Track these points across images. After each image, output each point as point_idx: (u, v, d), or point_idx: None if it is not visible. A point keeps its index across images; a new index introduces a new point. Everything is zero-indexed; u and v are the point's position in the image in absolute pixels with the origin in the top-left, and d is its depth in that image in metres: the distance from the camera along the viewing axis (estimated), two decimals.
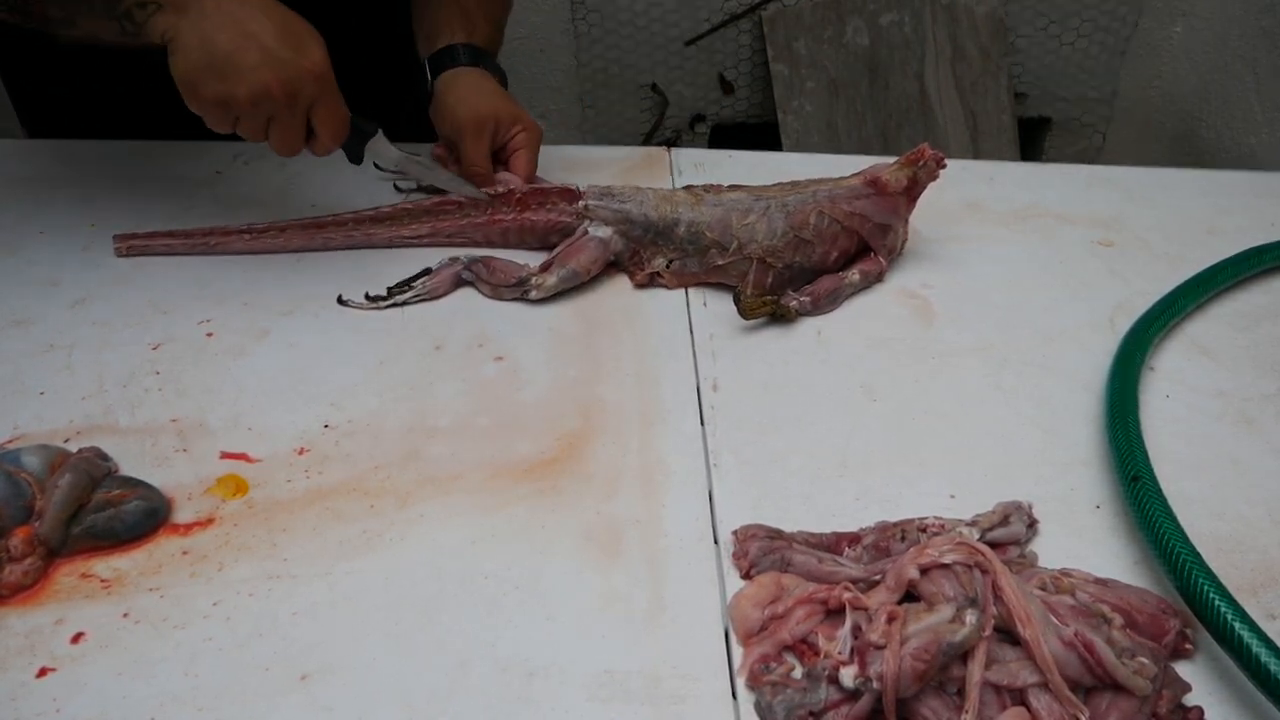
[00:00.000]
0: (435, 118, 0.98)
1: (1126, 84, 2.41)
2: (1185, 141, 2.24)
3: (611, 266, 0.89)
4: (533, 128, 0.97)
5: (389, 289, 0.85)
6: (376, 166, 0.95)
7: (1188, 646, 0.57)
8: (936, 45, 2.25)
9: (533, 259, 0.89)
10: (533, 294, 0.85)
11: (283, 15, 0.76)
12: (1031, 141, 2.49)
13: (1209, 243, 0.98)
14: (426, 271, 0.87)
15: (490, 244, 0.93)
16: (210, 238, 0.89)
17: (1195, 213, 1.05)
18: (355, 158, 0.87)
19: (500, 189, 0.91)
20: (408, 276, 0.86)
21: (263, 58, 0.73)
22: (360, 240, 0.91)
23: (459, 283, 0.87)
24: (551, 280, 0.85)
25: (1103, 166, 1.17)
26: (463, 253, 0.88)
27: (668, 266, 0.87)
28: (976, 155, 2.29)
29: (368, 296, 0.85)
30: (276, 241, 0.90)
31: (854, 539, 0.61)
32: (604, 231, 0.87)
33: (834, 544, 0.62)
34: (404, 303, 0.85)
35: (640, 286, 0.88)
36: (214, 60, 0.72)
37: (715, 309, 0.86)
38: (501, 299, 0.86)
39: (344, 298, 0.85)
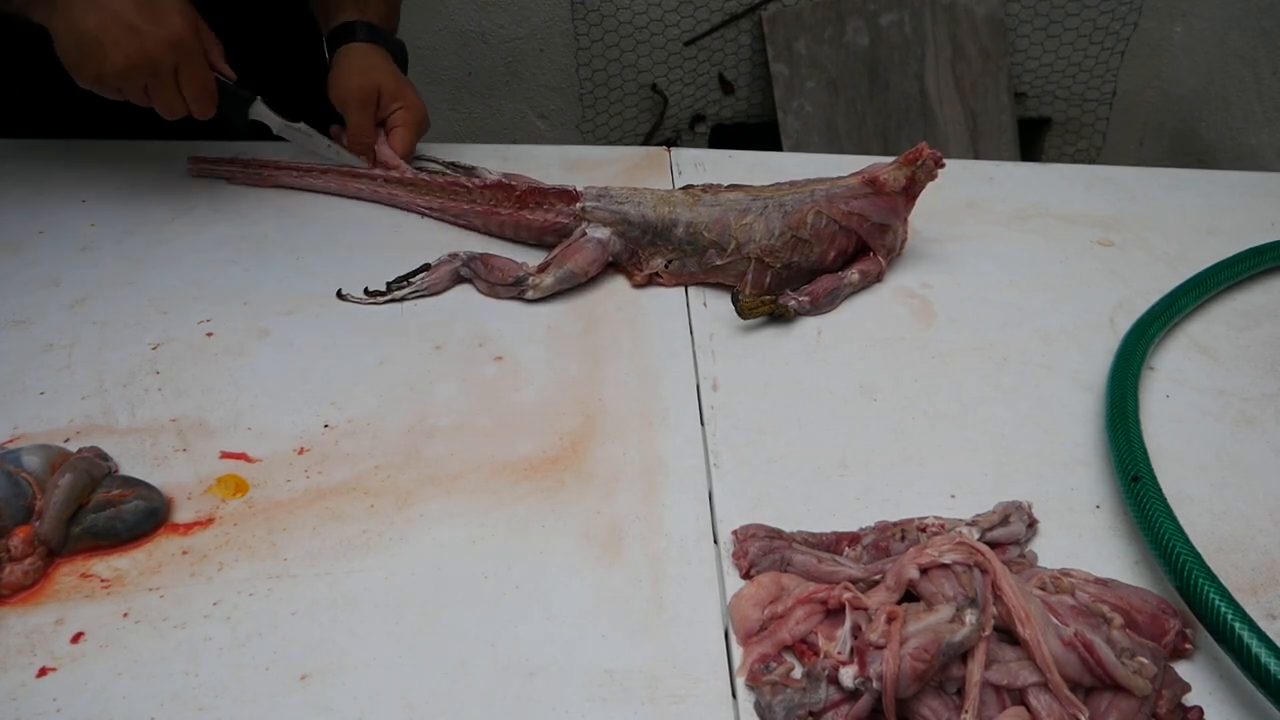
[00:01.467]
0: (330, 92, 1.01)
1: (1126, 84, 2.41)
2: (1185, 141, 2.24)
3: (610, 267, 0.89)
4: (413, 106, 1.01)
5: (388, 283, 0.86)
6: (267, 133, 0.99)
7: (1187, 646, 0.57)
8: (936, 45, 2.25)
9: (533, 256, 0.89)
10: (529, 294, 0.85)
11: None
12: (1031, 141, 2.49)
13: (1209, 243, 0.98)
14: (425, 267, 0.87)
15: (490, 234, 0.94)
16: (265, 169, 1.01)
17: (1195, 213, 1.05)
18: (240, 123, 0.93)
19: (378, 162, 0.99)
20: (406, 272, 0.86)
21: (121, 32, 0.79)
22: (384, 196, 0.99)
23: (457, 279, 0.87)
24: (549, 281, 0.85)
25: (1102, 166, 1.17)
26: (462, 250, 0.88)
27: (666, 267, 0.87)
28: (976, 155, 2.29)
29: (366, 291, 0.85)
30: (318, 182, 1.00)
31: (854, 539, 0.61)
32: (602, 233, 0.87)
33: (834, 544, 0.62)
34: (402, 298, 0.85)
35: (639, 287, 0.88)
36: (83, 42, 0.79)
37: (715, 309, 0.86)
38: (498, 297, 0.86)
39: (343, 292, 0.85)
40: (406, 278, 0.86)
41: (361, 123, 0.99)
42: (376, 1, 1.05)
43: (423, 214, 0.98)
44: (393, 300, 0.85)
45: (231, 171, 1.01)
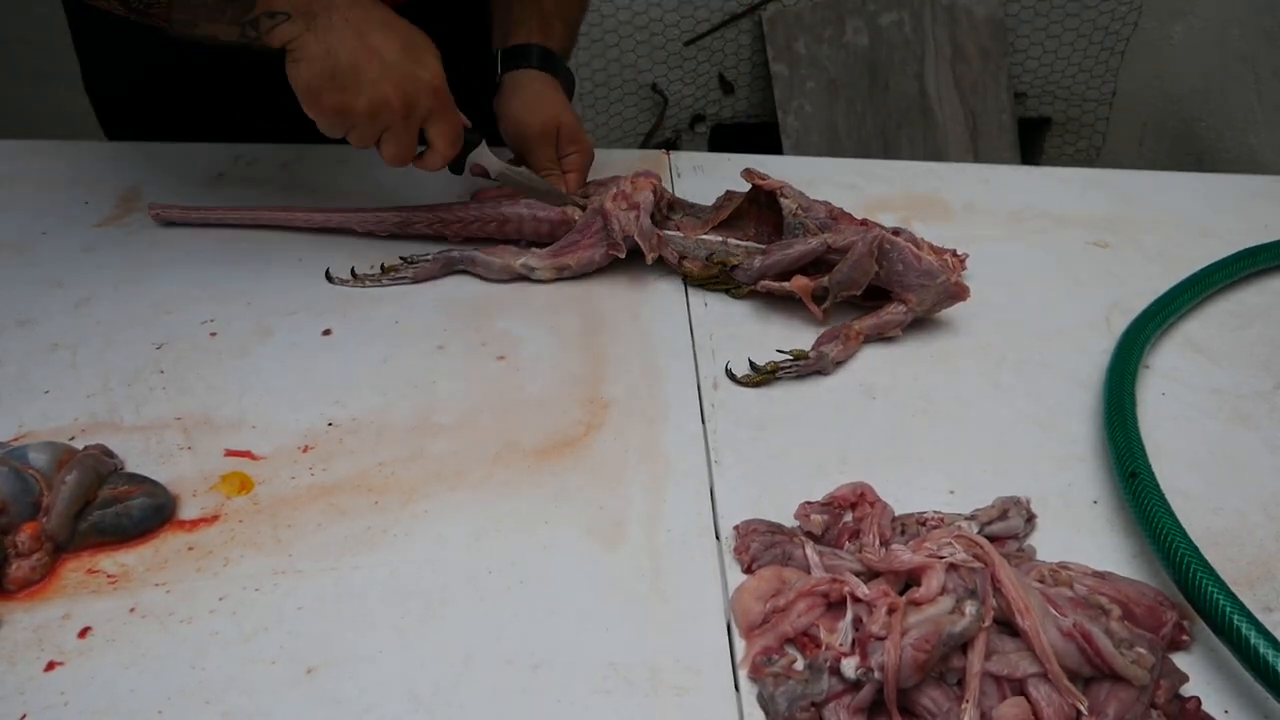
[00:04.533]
0: (500, 114, 0.97)
1: (1126, 84, 2.41)
2: (1185, 141, 2.24)
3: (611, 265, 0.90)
4: (586, 151, 0.96)
5: (382, 265, 0.87)
6: (475, 173, 0.93)
7: (1185, 638, 0.57)
8: (936, 45, 2.26)
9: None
10: (534, 275, 0.87)
11: (405, 29, 0.78)
12: (1031, 141, 2.50)
13: (1203, 244, 0.98)
14: (421, 257, 0.88)
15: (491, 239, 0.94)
16: (224, 213, 0.94)
17: (1189, 214, 1.06)
18: (458, 168, 0.87)
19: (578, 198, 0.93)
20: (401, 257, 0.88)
21: (383, 70, 0.75)
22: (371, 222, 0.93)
23: (451, 264, 0.88)
24: (550, 273, 0.87)
25: (1098, 169, 1.18)
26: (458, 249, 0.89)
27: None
28: (976, 155, 2.30)
29: (353, 273, 0.86)
30: (281, 216, 0.93)
31: (855, 533, 0.62)
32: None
33: (835, 538, 0.62)
34: (393, 281, 0.86)
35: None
36: (336, 71, 0.74)
37: (715, 309, 0.86)
38: (498, 279, 0.88)
39: (331, 274, 0.86)
40: (401, 260, 0.87)
41: (546, 160, 0.94)
42: (561, 25, 1.00)
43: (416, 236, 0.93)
44: (379, 285, 0.86)
45: (203, 217, 0.94)
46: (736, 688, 0.54)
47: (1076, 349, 0.83)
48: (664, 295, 0.88)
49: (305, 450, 0.69)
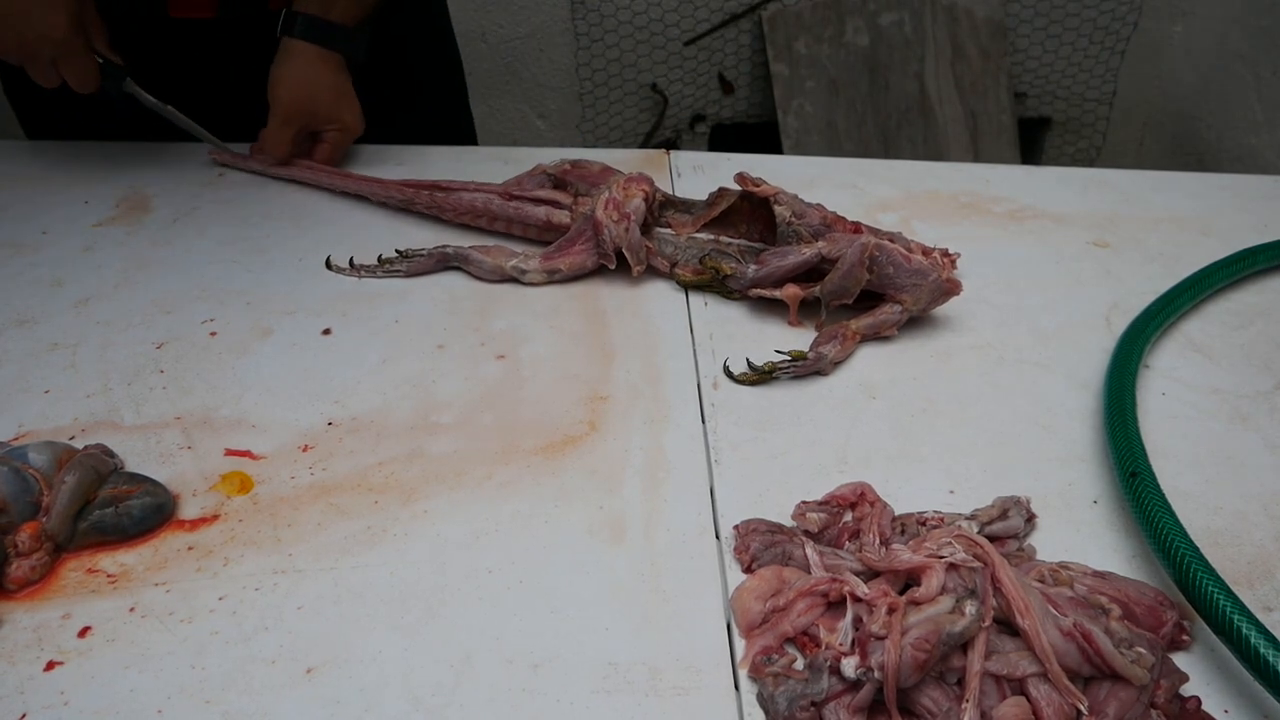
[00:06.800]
0: (270, 89, 1.00)
1: (1126, 84, 2.41)
2: (1185, 141, 2.24)
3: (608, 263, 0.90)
4: (349, 128, 1.02)
5: (380, 257, 0.89)
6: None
7: (1185, 638, 0.57)
8: (936, 45, 2.26)
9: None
10: (524, 278, 0.88)
11: None
12: (1031, 141, 2.50)
13: (1203, 244, 0.98)
14: (417, 252, 0.89)
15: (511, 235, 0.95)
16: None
17: (1189, 214, 1.06)
18: (117, 95, 0.97)
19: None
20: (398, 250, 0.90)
21: (18, 12, 0.87)
22: (395, 198, 0.98)
23: (445, 260, 0.89)
24: (541, 276, 0.88)
25: (1098, 169, 1.18)
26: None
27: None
28: (976, 155, 2.30)
29: (351, 263, 0.88)
30: (325, 180, 1.01)
31: (854, 533, 0.62)
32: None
33: (835, 538, 0.62)
34: (387, 274, 0.88)
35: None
36: None
37: (716, 308, 0.86)
38: (489, 279, 0.89)
39: (331, 261, 0.88)
40: (398, 254, 0.89)
41: (277, 135, 0.99)
42: None
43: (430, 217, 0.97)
44: (374, 276, 0.88)
45: (252, 164, 1.03)
46: (736, 687, 0.54)
47: (1076, 349, 0.83)
48: (664, 294, 0.88)
49: (305, 450, 0.69)
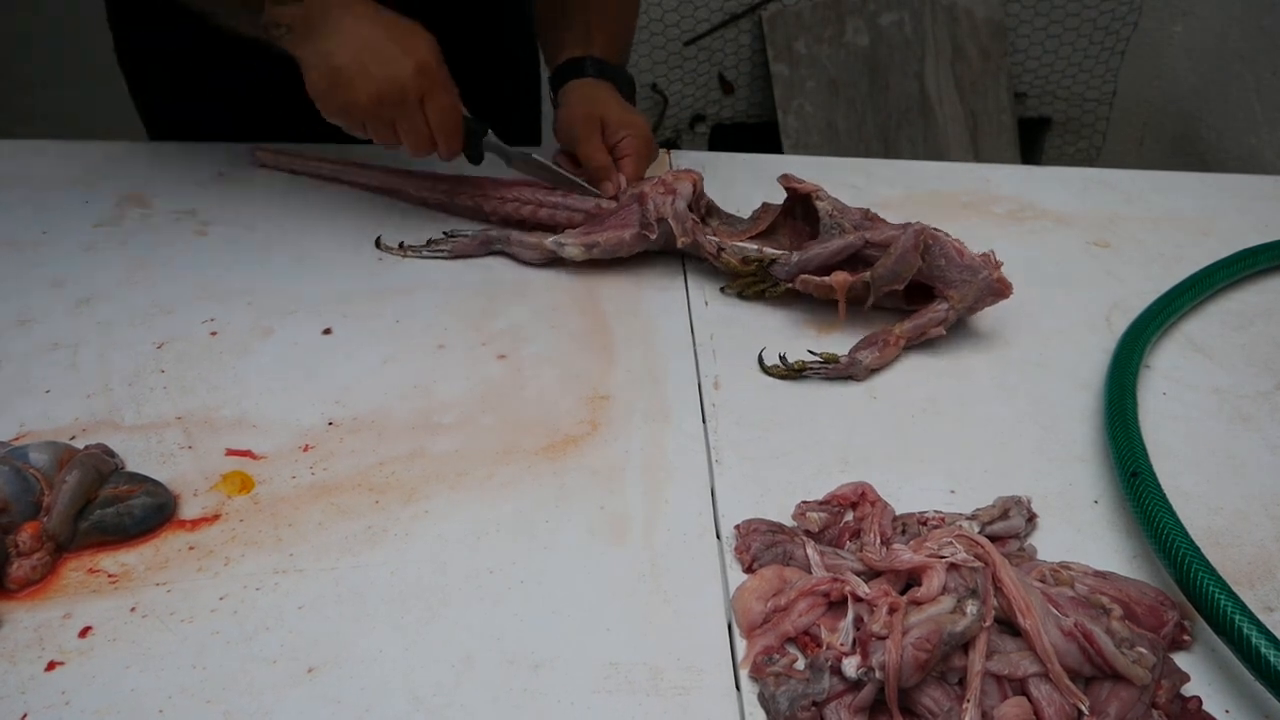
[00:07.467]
0: (557, 133, 0.99)
1: (1126, 84, 2.41)
2: (1185, 141, 2.24)
3: (611, 263, 0.90)
4: (641, 135, 0.95)
5: (429, 239, 0.91)
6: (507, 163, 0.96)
7: (1186, 638, 0.57)
8: (936, 45, 2.26)
9: None
10: (563, 251, 0.89)
11: (391, 21, 0.81)
12: (1031, 141, 2.50)
13: (1203, 244, 0.98)
14: (459, 233, 0.92)
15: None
16: (325, 164, 1.02)
17: (1189, 215, 1.06)
18: (474, 157, 0.92)
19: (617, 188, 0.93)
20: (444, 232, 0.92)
21: (374, 61, 0.79)
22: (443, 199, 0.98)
23: (489, 243, 0.91)
24: (579, 250, 0.88)
25: (1098, 169, 1.18)
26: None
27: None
28: (976, 155, 2.30)
29: (400, 245, 0.90)
30: (374, 180, 1.01)
31: (855, 533, 0.62)
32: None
33: (836, 538, 0.62)
34: (433, 254, 0.90)
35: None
36: (333, 74, 0.80)
37: (716, 308, 0.86)
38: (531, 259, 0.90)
39: (381, 240, 0.91)
40: (444, 235, 0.92)
41: (592, 147, 0.94)
42: (601, 35, 1.03)
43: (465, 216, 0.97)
44: (421, 256, 0.90)
45: (295, 164, 1.03)
46: (738, 687, 0.54)
47: (1077, 349, 0.83)
48: (665, 295, 0.88)
49: (306, 450, 0.69)
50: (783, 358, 0.79)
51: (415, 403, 0.74)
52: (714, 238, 0.87)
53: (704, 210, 0.91)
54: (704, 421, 0.73)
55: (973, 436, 0.74)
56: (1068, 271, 0.95)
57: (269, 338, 0.80)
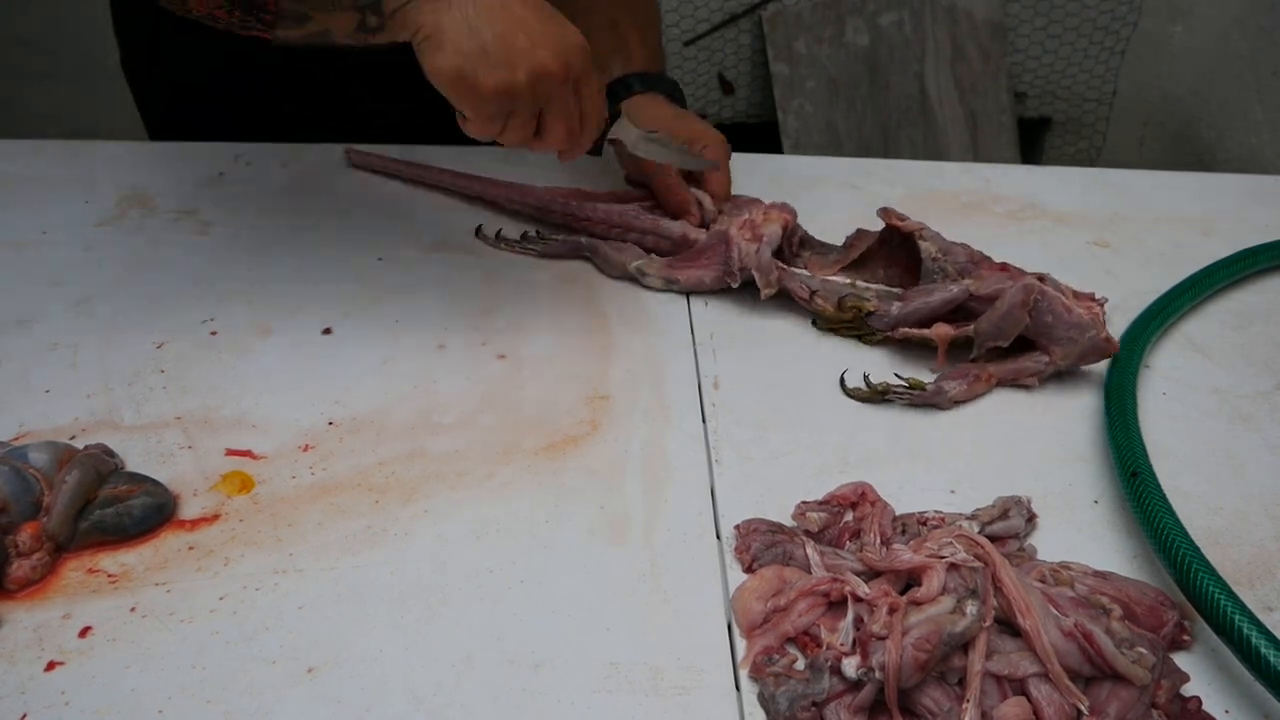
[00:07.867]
0: (621, 163, 0.96)
1: (1126, 84, 2.41)
2: (1185, 142, 2.24)
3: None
4: (717, 143, 0.92)
5: (523, 234, 0.92)
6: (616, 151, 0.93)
7: (1186, 638, 0.57)
8: (936, 45, 2.26)
9: None
10: (644, 279, 0.88)
11: None
12: (1031, 142, 2.50)
13: (1204, 244, 0.98)
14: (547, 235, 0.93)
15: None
16: (418, 169, 1.02)
17: (1190, 214, 1.06)
18: (597, 149, 0.84)
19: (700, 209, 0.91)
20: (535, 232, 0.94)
21: (533, 38, 0.69)
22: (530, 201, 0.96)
23: (578, 248, 0.91)
24: (659, 282, 0.88)
25: (1098, 169, 1.18)
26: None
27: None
28: (976, 155, 2.30)
29: (498, 235, 0.92)
30: (467, 185, 0.99)
31: (855, 533, 0.62)
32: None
33: (836, 538, 0.62)
34: (523, 251, 0.91)
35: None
36: (487, 48, 0.68)
37: (716, 308, 0.86)
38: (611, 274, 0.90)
39: (482, 230, 0.93)
40: (539, 235, 0.93)
41: (666, 184, 0.90)
42: (638, 47, 0.98)
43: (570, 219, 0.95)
44: (514, 250, 0.91)
45: (389, 166, 1.02)
46: (737, 687, 0.54)
47: None
48: (665, 294, 0.88)
49: (306, 449, 0.69)
50: (866, 379, 0.77)
51: (415, 403, 0.74)
52: (805, 271, 0.85)
53: (797, 245, 0.87)
54: (704, 421, 0.74)
55: (973, 436, 0.74)
56: (1068, 271, 0.94)
57: (269, 338, 0.80)
